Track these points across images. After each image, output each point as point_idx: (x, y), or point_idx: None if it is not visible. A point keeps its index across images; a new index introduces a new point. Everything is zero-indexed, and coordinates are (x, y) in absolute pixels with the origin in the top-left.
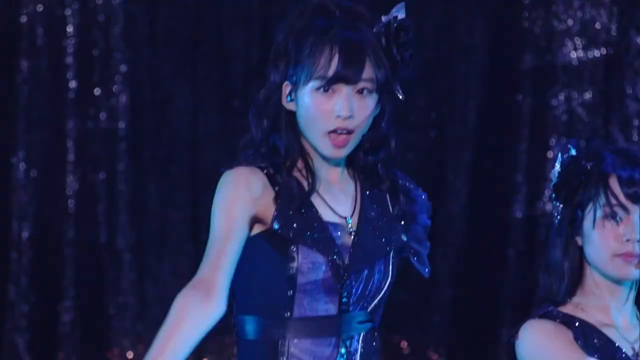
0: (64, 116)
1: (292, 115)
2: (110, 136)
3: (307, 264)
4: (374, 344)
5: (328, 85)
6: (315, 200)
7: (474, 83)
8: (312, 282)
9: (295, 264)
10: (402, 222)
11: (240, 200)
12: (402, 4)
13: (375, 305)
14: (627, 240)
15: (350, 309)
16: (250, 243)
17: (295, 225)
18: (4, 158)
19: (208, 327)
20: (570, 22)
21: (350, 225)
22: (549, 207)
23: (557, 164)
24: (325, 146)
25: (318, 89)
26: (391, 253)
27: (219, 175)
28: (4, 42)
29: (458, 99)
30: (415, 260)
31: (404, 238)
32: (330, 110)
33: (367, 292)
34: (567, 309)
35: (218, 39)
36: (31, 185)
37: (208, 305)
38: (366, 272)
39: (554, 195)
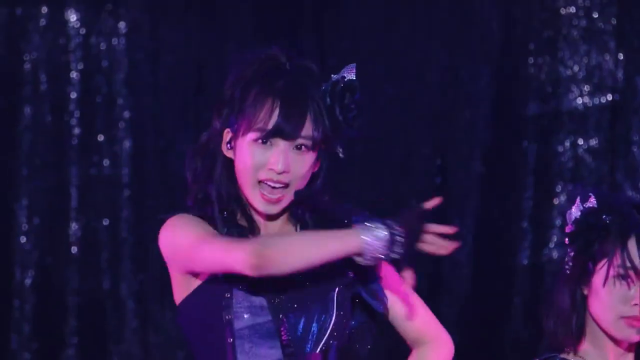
0: (67, 162)
1: (230, 163)
2: (113, 183)
3: (242, 308)
4: None
5: (266, 138)
6: None
7: (478, 129)
8: (249, 327)
9: (231, 309)
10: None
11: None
12: (353, 65)
13: (325, 344)
14: (635, 305)
15: (296, 351)
16: (190, 301)
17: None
18: (7, 204)
19: None
20: (576, 68)
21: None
22: (555, 254)
23: (576, 210)
24: (256, 200)
25: (256, 140)
26: (333, 292)
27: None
28: (8, 88)
29: (463, 145)
30: (366, 295)
31: (350, 274)
32: (265, 161)
33: (310, 333)
34: (569, 356)
35: (220, 86)
36: (34, 232)
37: None
38: (303, 311)
39: (568, 240)
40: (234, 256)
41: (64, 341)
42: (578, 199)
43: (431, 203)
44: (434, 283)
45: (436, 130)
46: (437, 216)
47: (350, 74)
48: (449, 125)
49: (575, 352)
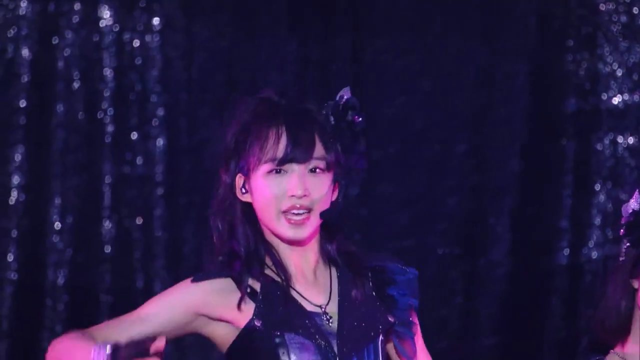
0: (100, 161)
1: (249, 209)
2: (146, 181)
3: (295, 344)
4: None
5: (279, 166)
6: (292, 292)
7: (516, 127)
8: None
9: (284, 349)
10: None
11: (184, 292)
12: (347, 88)
13: None
14: None
15: None
16: (237, 345)
17: (277, 317)
18: (40, 203)
19: None
20: (615, 65)
21: (329, 315)
22: (594, 253)
23: (634, 202)
24: (283, 227)
25: (270, 172)
26: (378, 337)
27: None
28: (40, 86)
29: (500, 143)
30: (398, 344)
31: (391, 319)
32: (284, 191)
33: None
34: (615, 358)
35: (253, 82)
36: (66, 231)
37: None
38: (357, 355)
39: (623, 232)
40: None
41: None
42: (637, 192)
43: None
44: (471, 282)
45: (472, 127)
46: (475, 215)
47: (347, 94)
48: (485, 122)
49: (621, 354)
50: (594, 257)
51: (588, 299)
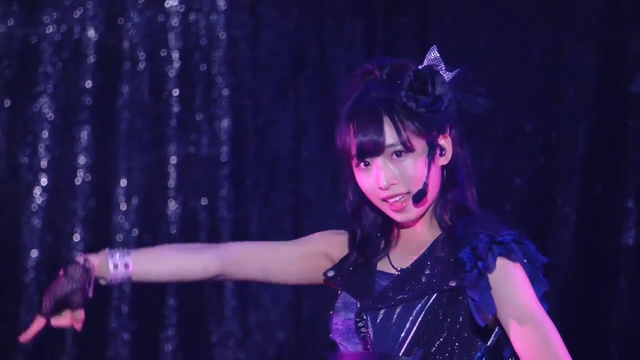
0: (166, 141)
1: None
2: (212, 161)
3: (340, 305)
4: None
5: (359, 161)
6: (381, 257)
7: (583, 107)
8: (342, 323)
9: (334, 306)
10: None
11: (325, 237)
12: (434, 47)
13: (408, 349)
14: None
15: (375, 351)
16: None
17: (346, 274)
18: (106, 183)
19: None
20: None
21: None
22: None
23: None
24: (389, 212)
25: (358, 165)
26: (425, 298)
27: (322, 200)
28: (106, 67)
29: (567, 123)
30: (473, 306)
31: (452, 284)
32: (372, 183)
33: (389, 334)
34: None
35: (321, 62)
36: (132, 212)
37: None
38: (385, 312)
39: None
40: None
41: (163, 322)
42: None
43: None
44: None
45: (539, 108)
46: (541, 196)
47: (431, 59)
48: (552, 102)
49: None
50: None
51: None
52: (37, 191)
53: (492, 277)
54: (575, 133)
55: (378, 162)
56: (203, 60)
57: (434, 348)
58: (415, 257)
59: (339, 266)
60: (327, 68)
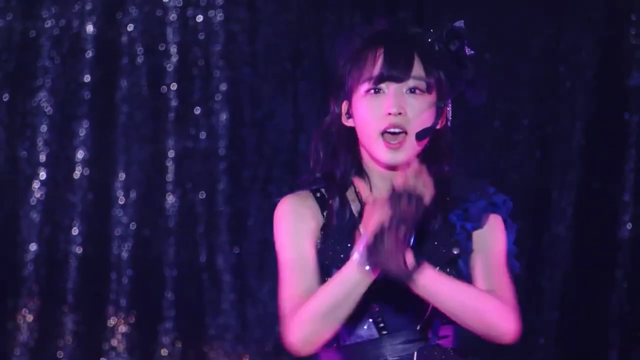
0: (164, 135)
1: (351, 134)
2: (210, 155)
3: (340, 259)
4: None
5: (376, 84)
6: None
7: (580, 101)
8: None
9: (331, 261)
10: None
11: (301, 233)
12: (462, 21)
13: (427, 322)
14: None
15: (389, 329)
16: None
17: (335, 248)
18: (104, 177)
19: None
20: None
21: None
22: None
23: None
24: (380, 149)
25: (368, 91)
26: (435, 267)
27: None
28: (105, 61)
29: (564, 117)
30: (464, 269)
31: (455, 252)
32: (380, 109)
33: (405, 312)
34: None
35: (319, 55)
36: (130, 205)
37: None
38: (397, 290)
39: None
40: (285, 326)
41: (161, 314)
42: None
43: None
44: (534, 257)
45: (537, 101)
46: (538, 189)
47: (459, 23)
48: (549, 96)
49: None
50: None
51: None
52: (35, 185)
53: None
54: (572, 127)
55: (393, 88)
56: (201, 55)
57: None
58: None
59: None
60: (326, 62)
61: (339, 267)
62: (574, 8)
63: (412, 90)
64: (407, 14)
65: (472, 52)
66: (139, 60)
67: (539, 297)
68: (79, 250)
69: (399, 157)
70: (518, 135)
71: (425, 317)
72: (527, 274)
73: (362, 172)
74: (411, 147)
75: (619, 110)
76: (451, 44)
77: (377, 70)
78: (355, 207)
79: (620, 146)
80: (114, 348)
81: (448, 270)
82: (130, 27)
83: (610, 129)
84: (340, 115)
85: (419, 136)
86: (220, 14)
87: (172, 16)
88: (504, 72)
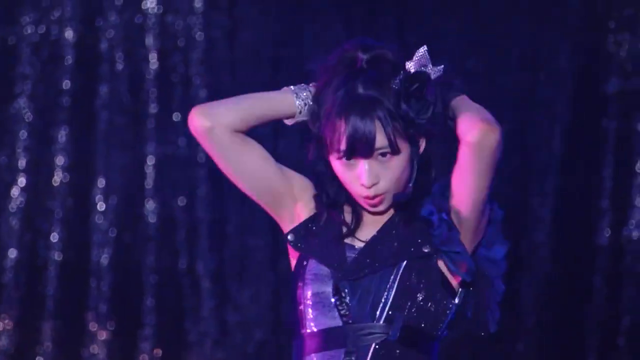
0: (144, 141)
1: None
2: (189, 162)
3: (311, 276)
4: (394, 358)
5: (345, 159)
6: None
7: (559, 107)
8: (314, 295)
9: (303, 277)
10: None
11: (297, 176)
12: (424, 48)
13: (388, 316)
14: None
15: (355, 320)
16: (293, 270)
17: (310, 240)
18: (84, 183)
19: None
20: None
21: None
22: (635, 234)
23: None
24: (362, 203)
25: (340, 159)
26: (400, 264)
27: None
28: (84, 67)
29: (543, 124)
30: (450, 264)
31: (425, 250)
32: (355, 178)
33: (367, 303)
34: None
35: (299, 62)
36: (110, 211)
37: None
38: (362, 281)
39: None
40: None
41: (141, 321)
42: None
43: None
44: (512, 263)
45: (516, 108)
46: (517, 196)
47: (420, 59)
48: (528, 103)
49: None
50: (635, 238)
51: (629, 279)
52: (15, 191)
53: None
54: (551, 133)
55: (364, 162)
56: (181, 61)
57: (412, 312)
58: (376, 229)
59: (300, 230)
60: (306, 69)
61: (309, 256)
62: (553, 15)
63: (383, 154)
64: (387, 21)
65: (440, 71)
66: (119, 66)
67: (518, 302)
68: (58, 256)
69: (380, 209)
70: None
71: (385, 310)
72: (506, 279)
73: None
74: (391, 199)
75: (597, 116)
76: (412, 98)
77: (343, 146)
78: (347, 217)
79: (598, 152)
80: (93, 354)
81: (418, 266)
82: (109, 34)
83: (589, 136)
84: (321, 147)
85: (396, 198)
86: (200, 21)
87: (152, 22)
88: (483, 79)
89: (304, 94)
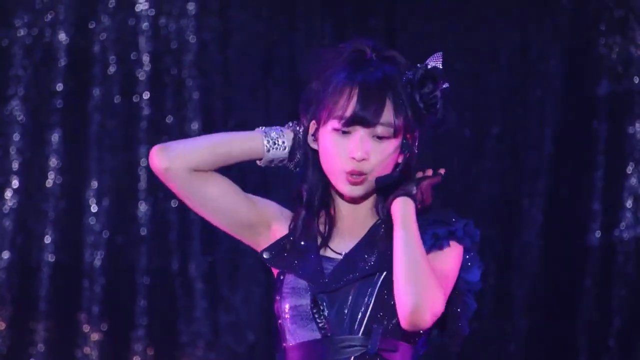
0: (136, 144)
1: (315, 155)
2: None
3: (288, 289)
4: None
5: (345, 125)
6: (321, 242)
7: (549, 110)
8: (292, 308)
9: (280, 291)
10: None
11: (268, 203)
12: (440, 54)
13: (367, 328)
14: None
15: (333, 333)
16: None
17: (286, 256)
18: (76, 185)
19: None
20: None
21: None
22: (626, 235)
23: None
24: (341, 182)
25: (336, 129)
26: (379, 276)
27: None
28: (77, 70)
29: (533, 125)
30: None
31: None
32: (345, 150)
33: (345, 315)
34: None
35: (290, 64)
36: (103, 213)
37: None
38: (339, 294)
39: None
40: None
41: (133, 322)
42: None
43: None
44: (503, 263)
45: (506, 110)
46: (508, 197)
47: (435, 62)
48: (519, 104)
49: None
50: (626, 239)
51: (620, 280)
52: (8, 193)
53: None
54: (542, 135)
55: (360, 134)
56: (173, 64)
57: (391, 324)
58: (355, 241)
59: (274, 246)
60: (297, 70)
61: (285, 270)
62: (542, 17)
63: (379, 137)
64: (378, 23)
65: (447, 84)
66: (112, 69)
67: (508, 303)
68: (51, 258)
69: (357, 191)
70: (488, 143)
71: (364, 323)
72: (496, 280)
73: (327, 194)
74: (370, 186)
75: (588, 118)
76: (425, 87)
77: (349, 111)
78: (322, 228)
79: (589, 154)
80: (86, 356)
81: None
82: (102, 36)
83: (579, 137)
84: (307, 131)
85: (378, 182)
86: (193, 23)
87: (145, 25)
88: (473, 81)
89: (274, 134)
